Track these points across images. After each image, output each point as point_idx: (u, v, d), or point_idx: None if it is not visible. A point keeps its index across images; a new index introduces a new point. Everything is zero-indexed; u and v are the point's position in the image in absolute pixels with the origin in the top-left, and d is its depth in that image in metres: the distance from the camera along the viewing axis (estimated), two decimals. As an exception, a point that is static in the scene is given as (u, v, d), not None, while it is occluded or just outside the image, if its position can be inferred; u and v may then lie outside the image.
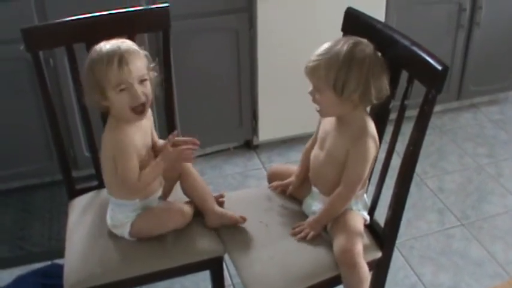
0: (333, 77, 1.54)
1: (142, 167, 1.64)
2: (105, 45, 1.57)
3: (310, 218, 1.73)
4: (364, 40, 1.59)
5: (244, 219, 1.74)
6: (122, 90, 1.56)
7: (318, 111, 1.65)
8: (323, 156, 1.70)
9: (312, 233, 1.69)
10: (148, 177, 1.64)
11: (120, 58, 1.54)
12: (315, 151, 1.75)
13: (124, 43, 1.59)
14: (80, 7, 1.87)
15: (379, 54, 1.59)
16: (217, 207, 1.76)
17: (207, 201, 1.76)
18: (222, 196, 1.85)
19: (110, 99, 1.57)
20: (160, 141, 1.78)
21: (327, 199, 1.71)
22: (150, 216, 1.69)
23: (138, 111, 1.59)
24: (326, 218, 1.69)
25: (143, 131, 1.68)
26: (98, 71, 1.54)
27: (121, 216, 1.69)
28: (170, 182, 1.79)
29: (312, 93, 1.62)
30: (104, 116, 1.70)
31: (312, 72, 1.58)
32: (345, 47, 1.55)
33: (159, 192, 1.75)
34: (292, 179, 1.85)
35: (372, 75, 1.55)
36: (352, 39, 1.59)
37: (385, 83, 1.58)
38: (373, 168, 1.74)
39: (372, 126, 1.64)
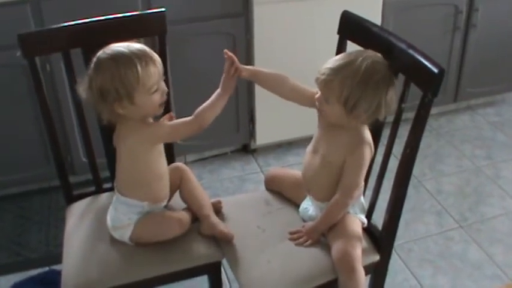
0: (345, 96, 1.52)
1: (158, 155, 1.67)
2: (119, 50, 1.53)
3: (308, 225, 1.72)
4: (380, 57, 1.56)
5: (232, 237, 1.71)
6: (155, 91, 1.56)
7: (318, 111, 1.65)
8: (317, 161, 1.70)
9: (309, 242, 1.68)
10: (212, 111, 1.69)
11: (150, 59, 1.54)
12: (309, 155, 1.74)
13: (133, 45, 1.56)
14: (77, 12, 1.87)
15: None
16: (212, 217, 1.75)
17: (203, 208, 1.76)
18: (219, 202, 1.84)
19: (137, 103, 1.54)
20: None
21: (321, 204, 1.71)
22: (150, 225, 1.68)
23: (163, 103, 1.62)
24: (324, 225, 1.68)
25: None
26: (128, 77, 1.50)
27: (123, 217, 1.68)
28: (172, 188, 1.79)
29: (319, 99, 1.61)
30: (100, 122, 1.69)
31: (325, 85, 1.56)
32: (363, 67, 1.52)
33: (166, 200, 1.76)
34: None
35: (384, 97, 1.54)
36: (370, 57, 1.55)
37: (394, 103, 1.58)
38: (370, 171, 1.74)
39: (368, 133, 1.64)
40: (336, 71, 1.54)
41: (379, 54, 1.57)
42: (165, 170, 1.72)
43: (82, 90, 1.58)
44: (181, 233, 1.71)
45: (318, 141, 1.71)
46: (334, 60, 1.57)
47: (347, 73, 1.53)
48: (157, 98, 1.58)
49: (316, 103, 1.62)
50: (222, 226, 1.73)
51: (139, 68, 1.51)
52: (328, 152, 1.66)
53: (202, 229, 1.75)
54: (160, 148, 1.69)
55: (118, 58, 1.51)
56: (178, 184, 1.80)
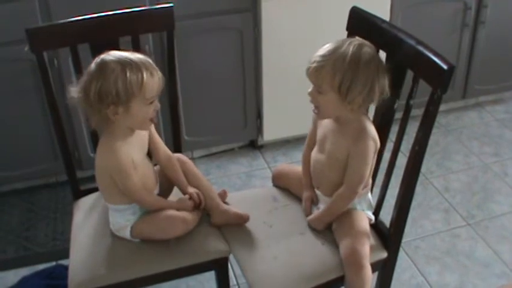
0: (338, 80, 1.52)
1: (142, 174, 1.65)
2: (125, 55, 1.52)
3: (312, 215, 1.73)
4: (367, 42, 1.58)
5: (247, 217, 1.73)
6: (151, 102, 1.56)
7: (315, 112, 1.64)
8: (324, 159, 1.69)
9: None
10: (154, 202, 1.68)
11: (155, 71, 1.54)
12: (315, 155, 1.74)
13: (137, 54, 1.55)
14: (85, 7, 1.87)
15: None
16: (222, 205, 1.76)
17: (212, 199, 1.76)
18: (225, 192, 1.84)
19: (132, 111, 1.53)
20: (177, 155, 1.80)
21: (330, 199, 1.71)
22: (151, 223, 1.68)
23: (153, 119, 1.61)
24: (328, 217, 1.69)
25: (140, 138, 1.67)
26: (132, 81, 1.49)
27: (121, 220, 1.69)
28: (171, 182, 1.78)
29: (312, 93, 1.60)
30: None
31: (316, 73, 1.55)
32: (351, 49, 1.53)
33: (156, 190, 1.74)
34: (308, 193, 1.79)
35: (377, 78, 1.54)
36: (356, 40, 1.57)
37: (387, 85, 1.57)
38: (378, 168, 1.73)
39: (370, 125, 1.63)
40: (326, 56, 1.54)
41: (366, 41, 1.58)
42: (142, 166, 1.68)
43: (74, 91, 1.56)
44: (186, 231, 1.69)
45: (322, 141, 1.71)
46: (322, 49, 1.58)
47: (337, 56, 1.53)
48: (149, 111, 1.57)
49: (310, 100, 1.61)
50: (234, 209, 1.73)
51: (145, 75, 1.51)
52: (335, 149, 1.65)
53: (213, 219, 1.75)
54: (132, 150, 1.63)
55: (125, 62, 1.51)
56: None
